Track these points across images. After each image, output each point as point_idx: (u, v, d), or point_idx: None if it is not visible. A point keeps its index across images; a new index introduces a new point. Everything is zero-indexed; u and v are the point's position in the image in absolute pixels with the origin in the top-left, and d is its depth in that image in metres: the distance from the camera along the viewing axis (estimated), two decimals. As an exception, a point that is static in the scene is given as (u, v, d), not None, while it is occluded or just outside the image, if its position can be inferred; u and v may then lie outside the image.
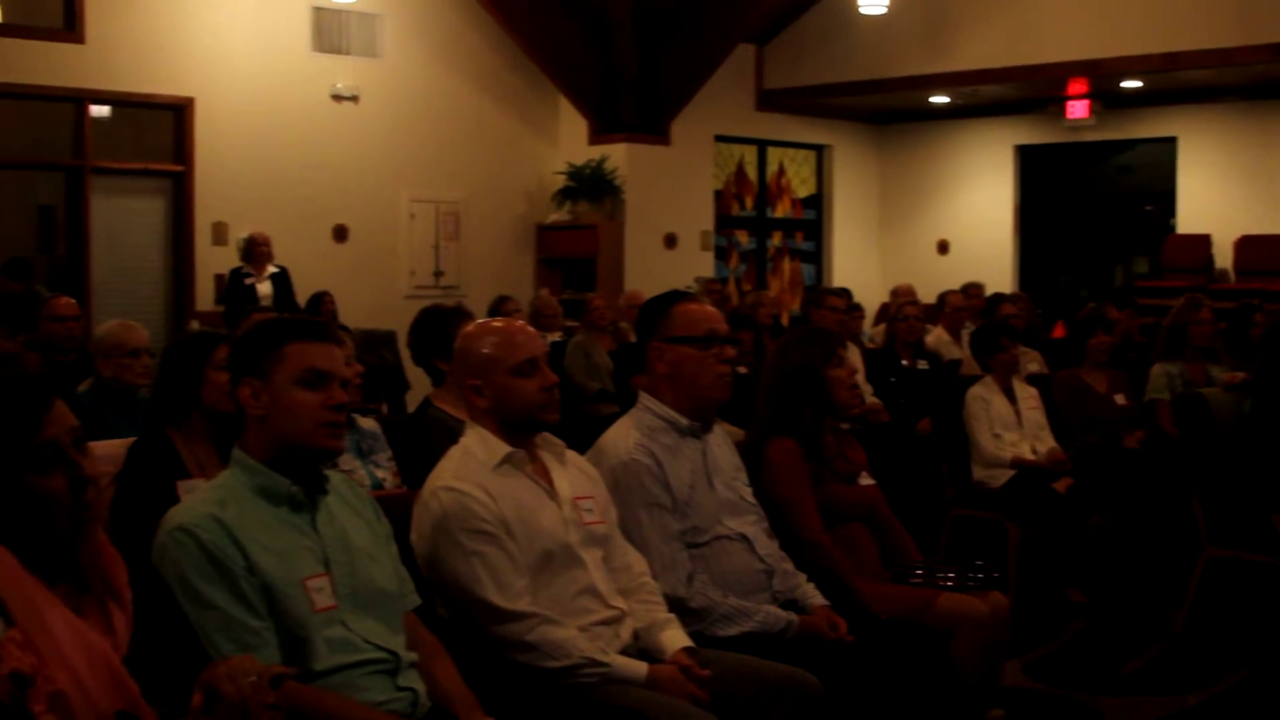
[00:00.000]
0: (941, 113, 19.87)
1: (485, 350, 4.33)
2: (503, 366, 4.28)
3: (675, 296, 5.06)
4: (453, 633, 4.04)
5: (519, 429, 4.31)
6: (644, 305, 5.20)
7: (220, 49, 15.12)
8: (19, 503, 2.90)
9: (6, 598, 2.85)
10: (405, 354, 11.88)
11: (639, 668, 4.14)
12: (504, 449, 4.27)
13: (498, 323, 4.48)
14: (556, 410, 4.35)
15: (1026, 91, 17.98)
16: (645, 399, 4.94)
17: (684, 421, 4.88)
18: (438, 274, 16.79)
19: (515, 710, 3.78)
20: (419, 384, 11.34)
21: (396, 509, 4.16)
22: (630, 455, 4.74)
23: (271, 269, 14.04)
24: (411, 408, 10.97)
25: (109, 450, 5.25)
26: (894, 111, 20.00)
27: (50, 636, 2.84)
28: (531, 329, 4.47)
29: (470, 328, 4.55)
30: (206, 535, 3.46)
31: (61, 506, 2.92)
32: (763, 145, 20.01)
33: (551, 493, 4.31)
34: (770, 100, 19.11)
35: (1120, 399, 9.04)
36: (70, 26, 14.32)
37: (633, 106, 17.17)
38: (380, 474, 5.89)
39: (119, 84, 14.56)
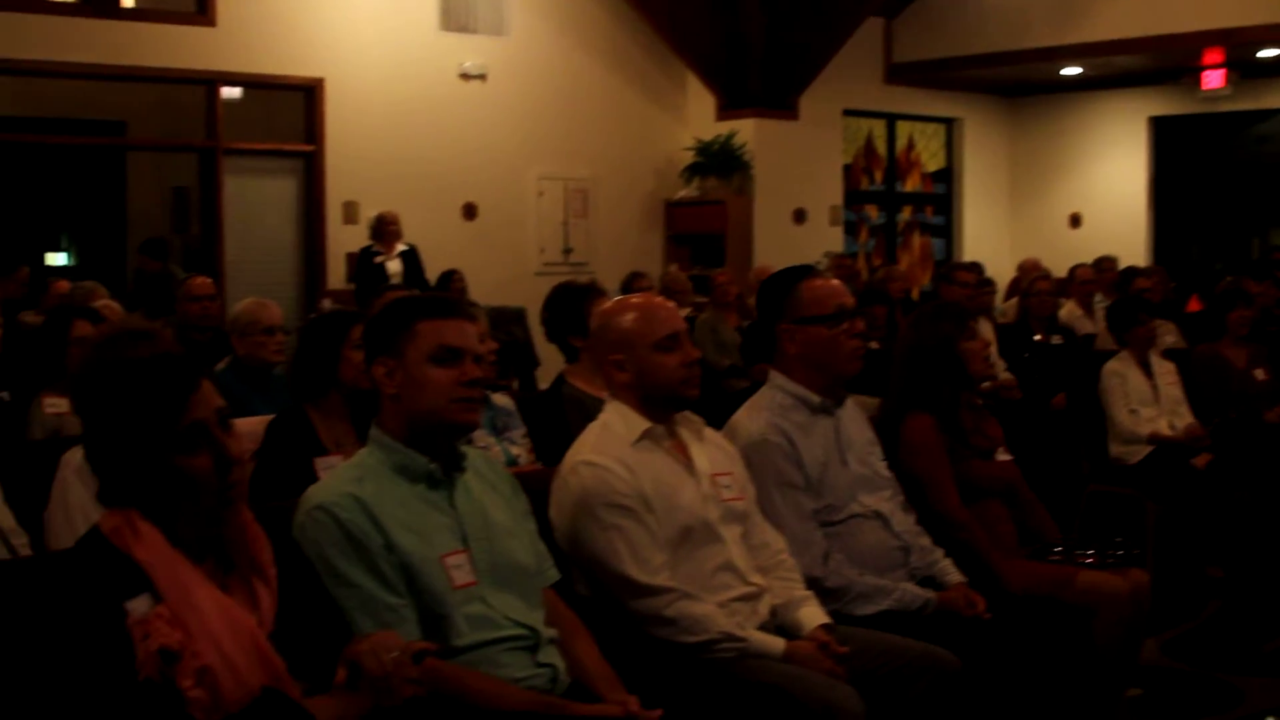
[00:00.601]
0: (1073, 84, 19.57)
1: (627, 325, 4.33)
2: (645, 341, 4.28)
3: (796, 274, 4.99)
4: (591, 609, 4.04)
5: (660, 404, 4.31)
6: (763, 285, 5.15)
7: (349, 29, 15.21)
8: (166, 482, 2.93)
9: (155, 575, 2.89)
10: (535, 331, 12.00)
11: (777, 644, 4.13)
12: (643, 424, 4.26)
13: (637, 298, 4.47)
14: (697, 386, 4.33)
15: (1160, 62, 17.65)
16: (775, 377, 4.90)
17: (815, 399, 4.84)
18: (567, 251, 16.81)
19: (654, 686, 3.77)
20: (549, 360, 11.36)
21: (532, 485, 4.16)
22: (762, 435, 4.71)
23: (401, 247, 14.11)
24: (542, 384, 11.04)
25: (248, 428, 5.28)
26: (1025, 84, 19.74)
27: (197, 613, 2.88)
28: (672, 304, 4.46)
29: (610, 303, 4.54)
30: (345, 514, 3.49)
31: (207, 486, 2.95)
32: (891, 119, 19.85)
33: (690, 468, 4.30)
34: (899, 73, 18.95)
35: (1260, 374, 8.88)
36: (202, 10, 14.47)
37: (761, 81, 17.06)
38: (515, 450, 5.90)
39: (250, 66, 14.69)
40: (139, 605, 2.86)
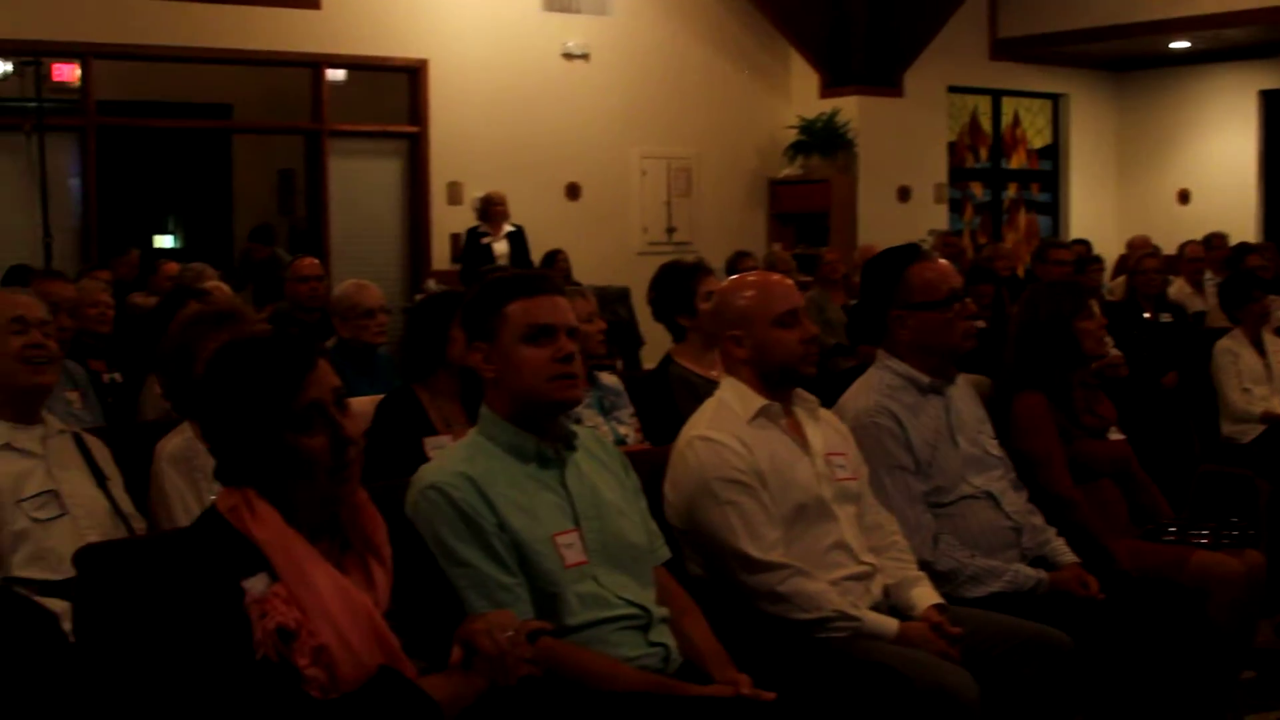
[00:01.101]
0: (1182, 58, 19.27)
1: (746, 302, 4.34)
2: (764, 317, 4.28)
3: (904, 257, 4.95)
4: (703, 590, 4.03)
5: (777, 381, 4.31)
6: (870, 267, 5.12)
7: (452, 11, 15.25)
8: (282, 461, 2.95)
9: (272, 554, 2.91)
10: (639, 310, 11.99)
11: (890, 624, 4.11)
12: (759, 401, 4.27)
13: (754, 275, 4.49)
14: (814, 363, 4.32)
15: (1271, 34, 17.34)
16: (884, 357, 4.88)
17: (925, 379, 4.81)
18: (670, 230, 16.77)
19: (765, 666, 3.76)
20: (653, 340, 11.36)
21: (641, 464, 4.15)
22: (871, 417, 4.69)
23: (508, 228, 14.14)
24: (646, 363, 11.02)
25: (357, 408, 5.29)
26: (1132, 58, 19.46)
27: (314, 592, 2.90)
28: (789, 281, 4.46)
29: (728, 281, 4.54)
30: (458, 493, 3.51)
31: (323, 465, 2.98)
32: (997, 95, 19.64)
33: (805, 446, 4.29)
34: (1004, 49, 18.73)
35: (1376, 350, 8.73)
36: (308, -7, 14.57)
37: (864, 58, 16.95)
38: (623, 430, 5.90)
39: (355, 48, 14.76)
40: (256, 584, 2.89)
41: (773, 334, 4.28)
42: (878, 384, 4.80)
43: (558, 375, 3.65)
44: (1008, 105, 19.87)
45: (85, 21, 13.37)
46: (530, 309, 3.69)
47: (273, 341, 3.10)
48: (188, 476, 4.48)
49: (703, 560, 4.19)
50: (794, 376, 4.33)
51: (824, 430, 4.42)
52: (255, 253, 14.34)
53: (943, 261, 4.96)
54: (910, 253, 4.97)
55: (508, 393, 3.69)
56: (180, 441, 4.56)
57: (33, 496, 4.31)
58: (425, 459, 4.87)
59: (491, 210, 14.18)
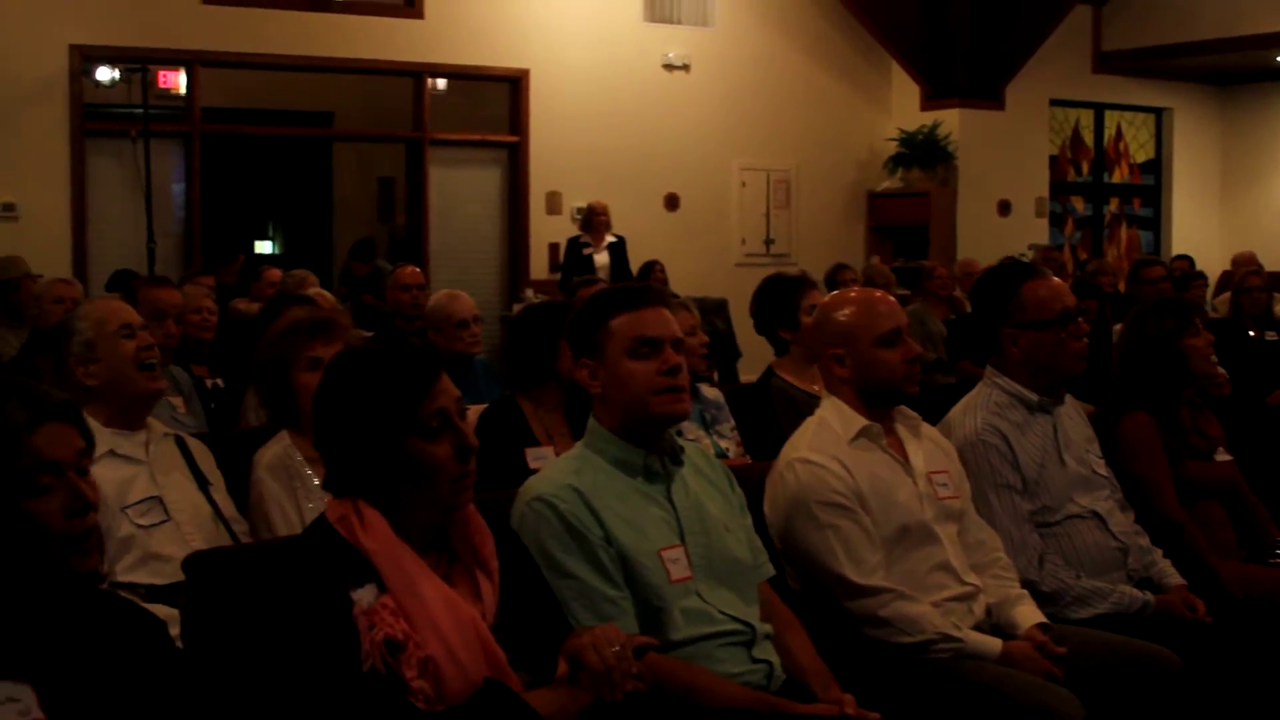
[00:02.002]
0: (1288, 72, 19.09)
1: (848, 319, 4.30)
2: (867, 336, 4.24)
3: (1019, 274, 4.91)
4: (805, 605, 4.01)
5: (879, 400, 4.27)
6: (983, 284, 5.08)
7: (554, 21, 15.31)
8: (404, 469, 2.97)
9: (380, 565, 2.92)
10: (736, 322, 11.98)
11: (993, 644, 4.07)
12: (860, 421, 4.23)
13: (856, 292, 4.44)
14: (918, 382, 4.28)
15: (1380, 49, 17.16)
16: (992, 374, 4.83)
17: (1033, 397, 4.76)
18: (768, 242, 16.73)
19: (869, 685, 3.73)
20: (750, 352, 11.35)
21: (743, 480, 4.12)
22: (978, 435, 4.65)
23: (609, 239, 14.15)
24: (743, 376, 11.00)
25: (460, 418, 5.32)
26: (1238, 72, 19.24)
27: (422, 603, 2.91)
28: (892, 298, 4.40)
29: (830, 297, 4.50)
30: (565, 505, 3.51)
31: (446, 473, 2.99)
32: (1099, 109, 19.48)
33: (906, 466, 4.25)
34: (1108, 62, 18.59)
35: None
36: (410, 2, 14.66)
37: (966, 71, 16.85)
38: (724, 443, 5.89)
39: (456, 58, 14.85)
40: (364, 595, 2.90)
41: (875, 353, 4.24)
42: (985, 401, 4.76)
43: (664, 389, 3.64)
44: (1110, 119, 19.70)
45: (191, 30, 13.55)
46: (635, 322, 3.68)
47: (399, 350, 3.13)
48: (286, 485, 4.49)
49: (800, 577, 4.17)
50: (897, 396, 4.30)
51: (926, 448, 4.38)
52: (356, 269, 14.40)
53: (1056, 280, 4.90)
54: (1024, 270, 4.94)
55: (615, 407, 3.68)
56: (278, 450, 4.57)
57: (137, 503, 4.34)
58: (527, 470, 4.90)
59: (594, 220, 14.19)
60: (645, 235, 14.97)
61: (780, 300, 6.22)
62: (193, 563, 3.38)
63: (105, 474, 4.25)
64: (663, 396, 3.64)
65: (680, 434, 4.53)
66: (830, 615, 4.05)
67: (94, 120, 13.43)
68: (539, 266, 15.34)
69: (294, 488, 4.47)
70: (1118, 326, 8.25)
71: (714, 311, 13.25)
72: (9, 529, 2.47)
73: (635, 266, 14.01)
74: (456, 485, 3.04)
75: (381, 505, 3.01)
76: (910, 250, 16.86)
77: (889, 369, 4.23)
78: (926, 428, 4.45)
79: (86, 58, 13.08)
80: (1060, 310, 4.73)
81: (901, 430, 4.34)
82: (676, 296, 6.88)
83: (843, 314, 4.31)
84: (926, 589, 4.11)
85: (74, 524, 2.54)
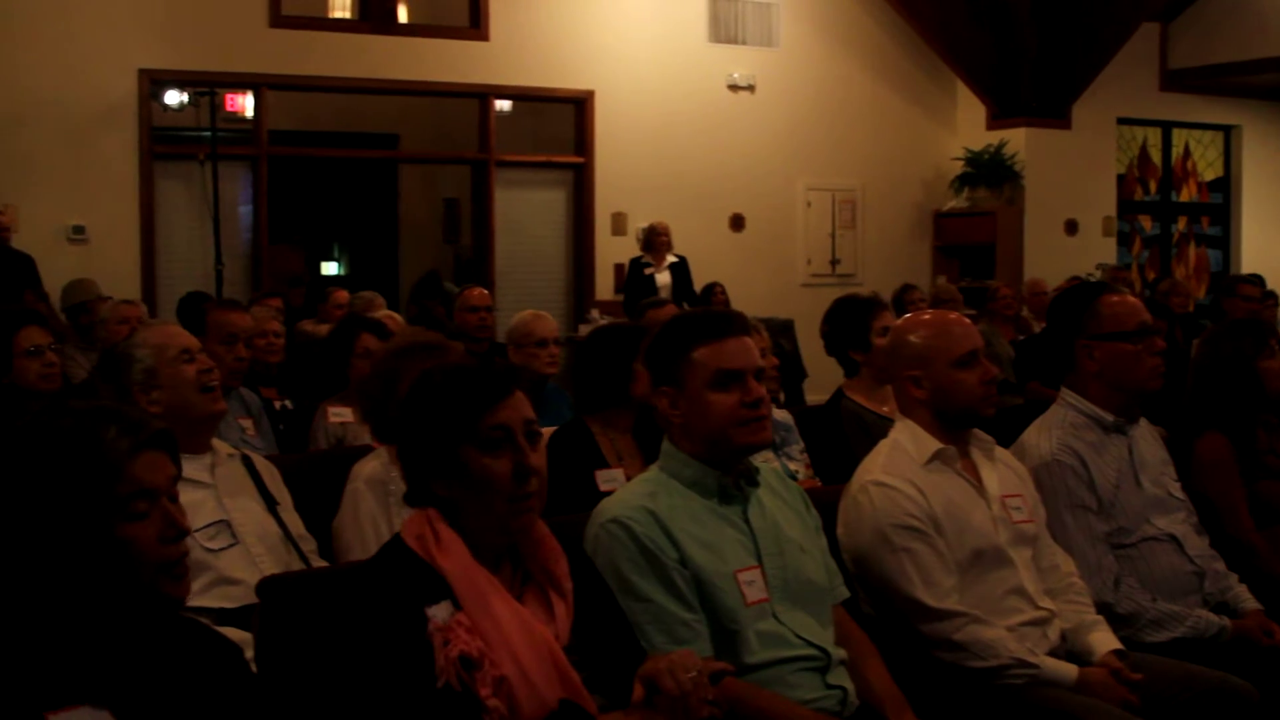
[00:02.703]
0: (1358, 89, 18.91)
1: (924, 341, 4.27)
2: (944, 358, 4.21)
3: (1095, 289, 4.91)
4: (878, 629, 3.98)
5: (956, 422, 4.24)
6: (1060, 299, 5.05)
7: (619, 42, 15.34)
8: (460, 478, 2.97)
9: (456, 583, 2.93)
10: (802, 343, 11.95)
11: (1068, 670, 4.02)
12: (935, 444, 4.20)
13: (931, 314, 4.42)
14: (995, 404, 4.25)
15: None
16: (1067, 394, 4.80)
17: (1109, 418, 4.72)
18: (834, 262, 16.69)
19: (943, 711, 3.70)
20: (815, 372, 11.30)
21: (814, 502, 4.09)
22: (1053, 455, 4.62)
23: (671, 259, 14.15)
24: (808, 396, 10.96)
25: (531, 439, 5.31)
26: (1308, 89, 19.11)
27: (496, 623, 2.91)
28: (968, 320, 4.37)
29: (904, 319, 4.48)
30: (640, 528, 3.49)
31: (502, 489, 2.98)
32: (1167, 127, 19.34)
33: (980, 490, 4.22)
34: (1175, 80, 18.46)
35: None
36: (476, 24, 14.72)
37: (1033, 89, 16.76)
38: (793, 465, 5.86)
39: (522, 79, 14.91)
40: (440, 612, 2.91)
41: (953, 375, 4.21)
42: (1060, 422, 4.72)
43: (748, 420, 3.62)
44: (1178, 137, 19.56)
45: (258, 54, 13.66)
46: (717, 354, 3.65)
47: (475, 367, 3.13)
48: (382, 501, 4.52)
49: (873, 600, 4.14)
50: (973, 418, 4.27)
51: (1000, 471, 4.34)
52: (432, 309, 14.30)
53: (1133, 297, 4.88)
54: (1100, 286, 4.92)
55: (696, 436, 3.66)
56: (377, 465, 4.62)
57: (204, 527, 4.34)
58: (597, 492, 4.89)
59: (655, 241, 14.20)
60: (711, 256, 14.98)
61: (852, 321, 6.19)
62: (266, 586, 3.39)
63: (171, 499, 4.28)
64: (746, 428, 3.62)
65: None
66: (904, 639, 4.02)
67: (162, 143, 13.56)
68: (604, 287, 15.36)
69: (389, 504, 4.50)
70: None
71: (780, 332, 13.20)
72: (102, 553, 2.48)
73: (699, 286, 14.01)
74: (515, 506, 3.03)
75: (452, 519, 3.02)
76: (976, 270, 16.79)
77: (966, 391, 4.20)
78: (1000, 451, 4.42)
79: (155, 82, 13.19)
80: (1138, 324, 4.70)
81: (975, 453, 4.31)
82: (742, 316, 6.87)
83: (918, 336, 4.29)
84: (1001, 613, 4.07)
85: (168, 550, 2.55)
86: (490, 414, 3.02)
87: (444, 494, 3.03)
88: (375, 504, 4.50)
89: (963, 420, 4.24)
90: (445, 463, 3.01)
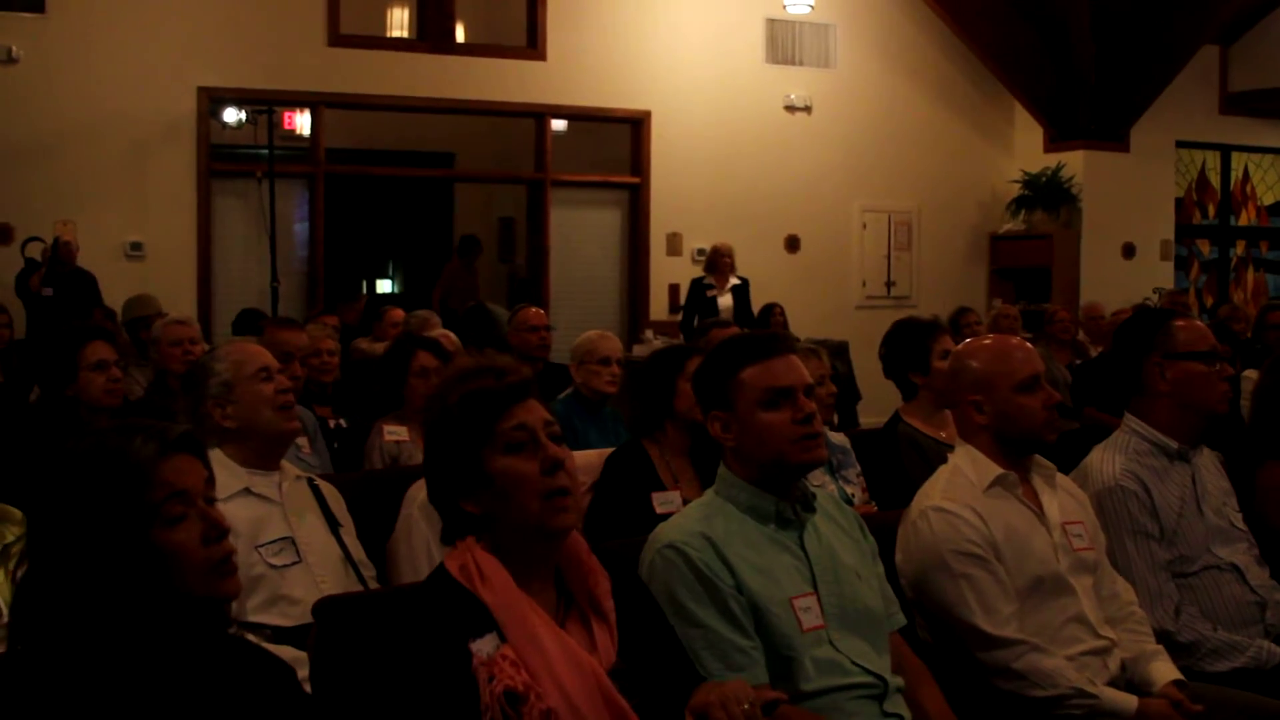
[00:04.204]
0: None
1: (986, 366, 4.24)
2: (1006, 383, 4.18)
3: (1165, 312, 4.87)
4: (935, 656, 3.95)
5: (1018, 448, 4.21)
6: (1130, 320, 5.01)
7: (675, 63, 15.36)
8: (489, 489, 2.99)
9: (500, 616, 2.90)
10: (857, 365, 11.90)
11: (1129, 701, 3.96)
12: (995, 470, 4.16)
13: (992, 338, 4.38)
14: (1056, 429, 4.21)
15: None
16: (1131, 420, 4.75)
17: (1173, 445, 4.67)
18: (889, 284, 16.64)
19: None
20: (869, 394, 11.26)
21: (870, 527, 4.06)
22: (1116, 481, 4.57)
23: (734, 281, 14.09)
24: (862, 419, 10.92)
25: (586, 460, 5.31)
26: (1370, 113, 18.96)
27: (542, 653, 2.88)
28: (1029, 345, 4.34)
29: (966, 343, 4.45)
30: (696, 553, 3.46)
31: (532, 487, 2.97)
32: (1226, 150, 19.21)
33: (1041, 517, 4.18)
34: (1235, 103, 18.36)
35: None
36: (533, 44, 14.76)
37: (1091, 112, 16.67)
38: (850, 489, 5.83)
39: (578, 99, 14.94)
40: (484, 646, 2.87)
41: (1015, 400, 4.17)
42: (1124, 447, 4.68)
43: (801, 437, 3.59)
44: (1237, 160, 19.43)
45: (316, 72, 13.75)
46: (765, 373, 3.63)
47: (488, 378, 3.11)
48: (435, 528, 4.48)
49: (931, 627, 4.10)
50: (1036, 444, 4.23)
51: (1061, 498, 4.30)
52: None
53: (1201, 323, 4.84)
54: (1169, 310, 4.89)
55: (750, 459, 3.63)
56: None
57: (270, 542, 4.34)
58: (653, 514, 4.87)
59: (719, 263, 14.14)
60: (765, 277, 14.95)
61: (912, 344, 6.16)
62: (323, 607, 3.38)
63: (240, 511, 4.30)
64: (800, 445, 3.59)
65: (808, 480, 4.48)
66: (962, 667, 3.98)
67: (220, 161, 13.65)
68: (659, 308, 15.35)
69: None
70: (1247, 372, 8.10)
71: (834, 354, 13.09)
72: (143, 563, 2.46)
73: (755, 308, 13.98)
74: (549, 503, 2.99)
75: (489, 543, 3.01)
76: (1032, 293, 16.72)
77: (1029, 416, 4.16)
78: (1061, 477, 4.38)
79: (214, 99, 13.31)
80: (1209, 346, 4.67)
81: (1036, 480, 4.27)
82: (799, 341, 6.85)
83: (980, 360, 4.25)
84: (1060, 642, 4.02)
85: (213, 550, 2.52)
86: (507, 417, 3.01)
87: (476, 511, 3.01)
88: (429, 530, 4.49)
89: (1025, 445, 4.21)
90: (471, 475, 3.00)
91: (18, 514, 4.30)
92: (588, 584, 3.10)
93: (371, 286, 19.42)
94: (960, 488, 4.14)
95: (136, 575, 2.46)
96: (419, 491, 4.61)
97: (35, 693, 2.40)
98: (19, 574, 4.20)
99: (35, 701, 2.40)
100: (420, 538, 4.48)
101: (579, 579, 3.10)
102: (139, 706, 2.45)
